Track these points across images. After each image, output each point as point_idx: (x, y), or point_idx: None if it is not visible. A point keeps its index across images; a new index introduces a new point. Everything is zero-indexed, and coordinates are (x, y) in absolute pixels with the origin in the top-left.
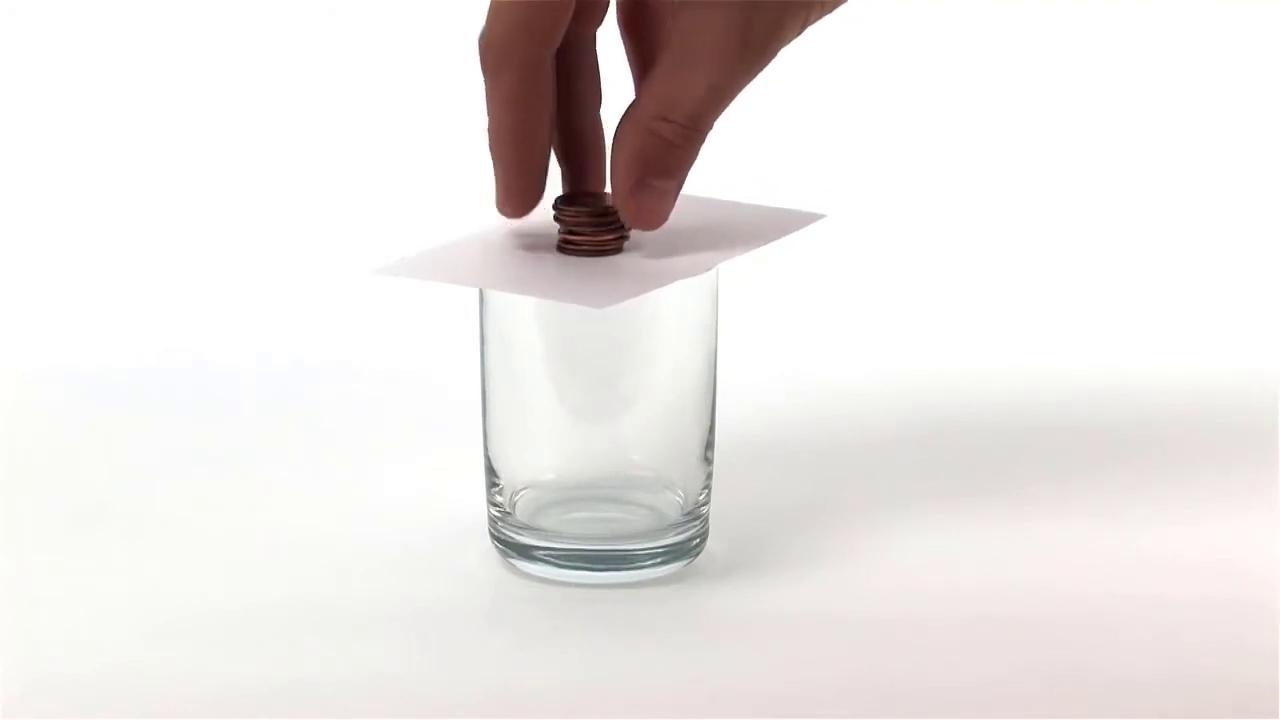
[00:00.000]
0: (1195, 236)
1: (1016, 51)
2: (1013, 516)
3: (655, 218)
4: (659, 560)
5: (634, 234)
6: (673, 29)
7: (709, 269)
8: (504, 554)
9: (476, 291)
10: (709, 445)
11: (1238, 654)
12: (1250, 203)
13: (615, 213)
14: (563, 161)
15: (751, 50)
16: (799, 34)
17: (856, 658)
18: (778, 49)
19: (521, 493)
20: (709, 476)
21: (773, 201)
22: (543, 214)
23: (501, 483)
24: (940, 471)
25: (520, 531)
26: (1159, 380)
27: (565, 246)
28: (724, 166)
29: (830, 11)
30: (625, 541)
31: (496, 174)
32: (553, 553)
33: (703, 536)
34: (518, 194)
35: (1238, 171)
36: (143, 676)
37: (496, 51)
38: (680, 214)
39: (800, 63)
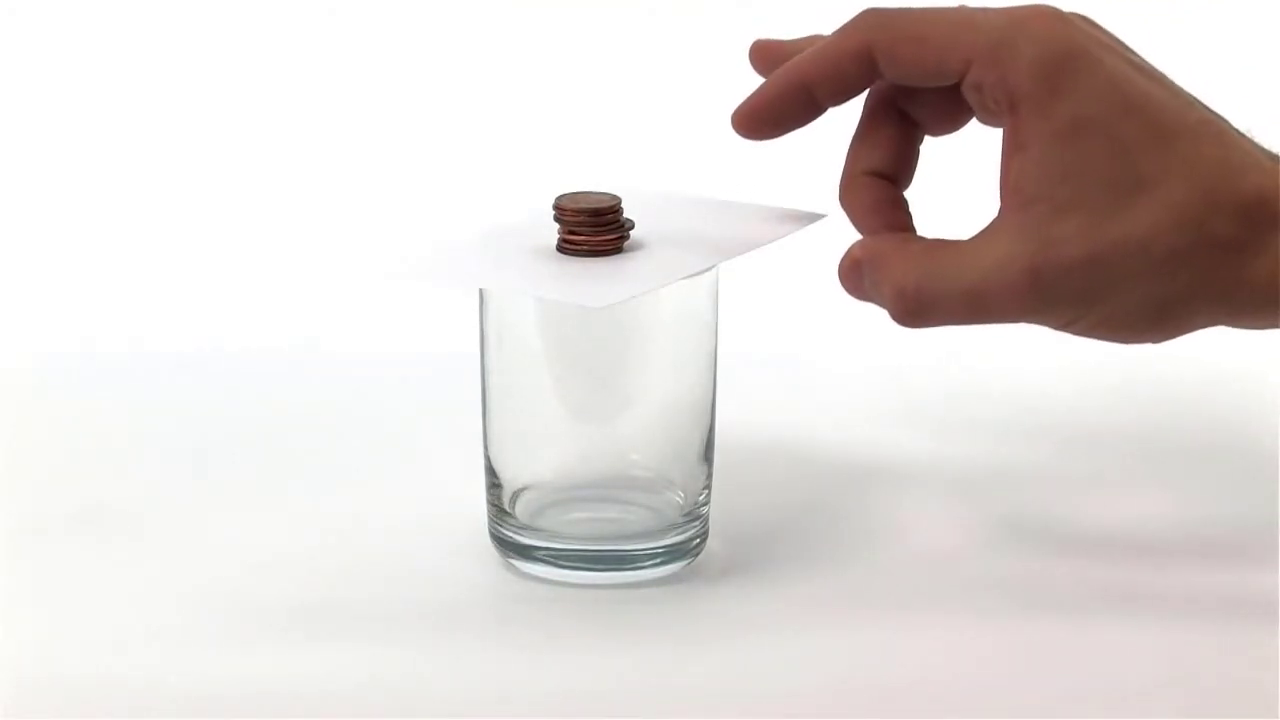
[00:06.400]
0: None
1: None
2: (1014, 514)
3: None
4: (659, 560)
5: (634, 234)
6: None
7: (709, 269)
8: (504, 554)
9: (477, 291)
10: (709, 445)
11: (1238, 654)
12: None
13: (615, 212)
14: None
15: (1054, 297)
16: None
17: (856, 658)
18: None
19: (521, 493)
20: (709, 476)
21: (773, 202)
22: (543, 214)
23: (501, 483)
24: (941, 471)
25: (520, 532)
26: (1161, 376)
27: (565, 246)
28: (724, 166)
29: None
30: (625, 541)
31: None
32: (553, 553)
33: (703, 536)
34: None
35: None
36: (143, 676)
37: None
38: (680, 214)
39: None
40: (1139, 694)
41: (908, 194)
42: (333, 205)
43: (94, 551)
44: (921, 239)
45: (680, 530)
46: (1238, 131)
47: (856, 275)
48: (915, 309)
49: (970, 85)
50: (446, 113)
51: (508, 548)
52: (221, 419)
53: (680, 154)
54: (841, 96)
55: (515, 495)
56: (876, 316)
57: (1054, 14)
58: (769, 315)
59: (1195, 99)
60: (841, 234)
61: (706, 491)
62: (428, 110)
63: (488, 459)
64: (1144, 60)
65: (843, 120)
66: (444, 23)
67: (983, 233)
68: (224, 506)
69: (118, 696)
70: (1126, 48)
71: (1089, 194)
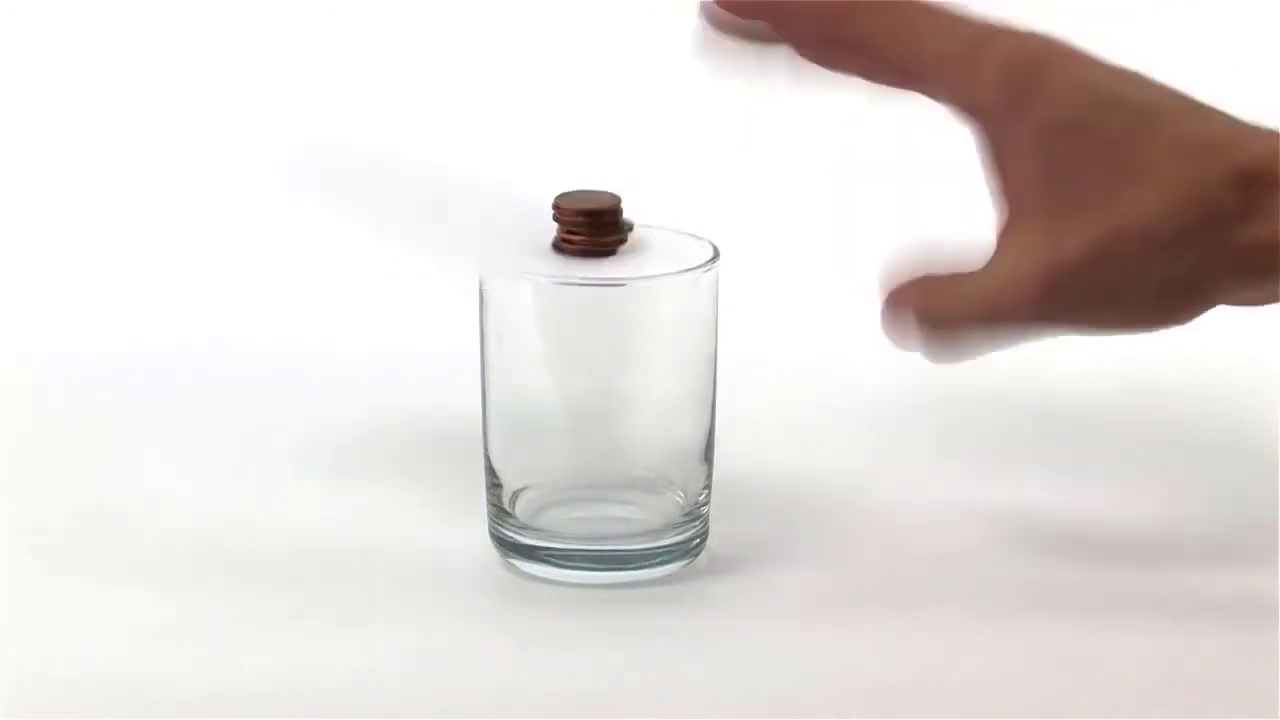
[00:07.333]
0: None
1: None
2: (1016, 515)
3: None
4: (659, 560)
5: (633, 235)
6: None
7: (704, 267)
8: (504, 554)
9: (476, 290)
10: (709, 445)
11: (1238, 654)
12: None
13: (615, 213)
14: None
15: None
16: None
17: (856, 657)
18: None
19: (521, 493)
20: (709, 476)
21: (773, 202)
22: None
23: (501, 483)
24: (942, 471)
25: (520, 532)
26: (1162, 376)
27: (563, 246)
28: (724, 166)
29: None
30: (625, 541)
31: None
32: (553, 553)
33: (703, 536)
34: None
35: None
36: (143, 676)
37: None
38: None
39: None
40: (1139, 694)
41: (917, 195)
42: (332, 205)
43: (94, 551)
44: (939, 276)
45: (680, 530)
46: (1215, 108)
47: (896, 323)
48: (940, 338)
49: (932, 92)
50: (446, 112)
51: (508, 548)
52: (221, 419)
53: (680, 154)
54: (807, 49)
55: (515, 495)
56: (878, 317)
57: (1017, 31)
58: (769, 315)
59: (1168, 86)
60: (843, 234)
61: (706, 491)
62: (427, 110)
63: (488, 459)
64: (1115, 63)
65: (845, 118)
66: (444, 23)
67: (991, 256)
68: (223, 506)
69: (118, 696)
70: (1095, 55)
71: (1081, 193)
